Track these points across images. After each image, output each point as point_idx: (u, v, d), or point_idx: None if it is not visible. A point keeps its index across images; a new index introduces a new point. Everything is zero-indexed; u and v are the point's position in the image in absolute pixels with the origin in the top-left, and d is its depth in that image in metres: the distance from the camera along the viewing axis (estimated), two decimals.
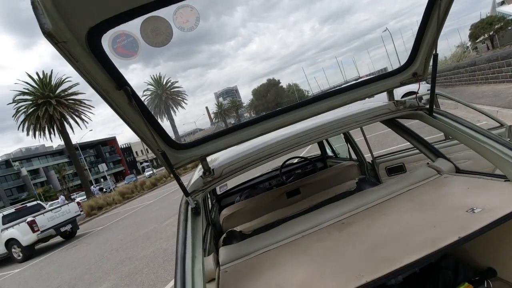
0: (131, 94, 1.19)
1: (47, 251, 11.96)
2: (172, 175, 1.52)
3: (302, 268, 1.36)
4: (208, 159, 1.70)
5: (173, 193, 17.05)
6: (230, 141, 1.66)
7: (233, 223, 2.48)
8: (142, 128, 1.31)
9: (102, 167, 30.67)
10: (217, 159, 1.95)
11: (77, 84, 27.93)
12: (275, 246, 1.66)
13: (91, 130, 31.69)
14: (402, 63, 1.81)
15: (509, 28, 24.61)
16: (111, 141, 75.40)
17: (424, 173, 1.87)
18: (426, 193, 1.69)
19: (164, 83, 58.18)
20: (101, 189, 37.98)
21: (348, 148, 3.33)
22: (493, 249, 1.70)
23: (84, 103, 28.39)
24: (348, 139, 3.28)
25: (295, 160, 4.10)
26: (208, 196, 3.18)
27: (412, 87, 1.85)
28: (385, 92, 1.87)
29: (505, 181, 1.46)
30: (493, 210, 1.24)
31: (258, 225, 2.34)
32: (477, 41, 27.93)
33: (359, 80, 2.10)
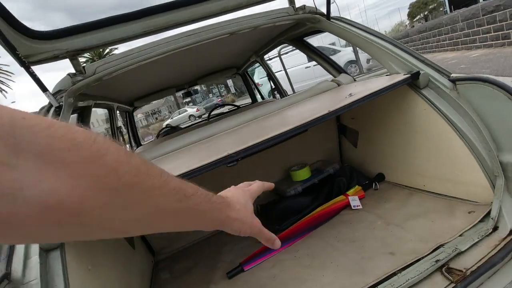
0: None
1: None
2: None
3: (175, 162, 1.26)
4: None
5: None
6: (106, 36, 1.42)
7: None
8: None
9: None
10: None
11: None
12: (161, 157, 1.53)
13: (14, 102, 27.61)
14: None
15: (441, 9, 26.81)
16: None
17: (326, 85, 1.86)
18: (321, 96, 1.68)
19: None
20: None
21: (272, 89, 3.28)
22: (382, 157, 1.77)
23: (0, 69, 24.37)
24: (271, 78, 3.21)
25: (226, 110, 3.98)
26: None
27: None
28: None
29: (386, 75, 1.49)
30: (362, 93, 1.24)
31: None
32: (414, 20, 30.07)
33: None
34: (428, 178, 1.47)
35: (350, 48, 8.63)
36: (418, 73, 1.28)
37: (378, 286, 0.99)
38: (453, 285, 0.93)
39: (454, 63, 7.28)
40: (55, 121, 0.25)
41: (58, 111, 1.31)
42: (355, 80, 1.87)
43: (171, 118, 25.44)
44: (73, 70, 1.45)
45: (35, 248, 0.88)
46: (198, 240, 1.90)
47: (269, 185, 0.64)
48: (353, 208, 1.60)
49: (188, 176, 1.00)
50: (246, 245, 1.63)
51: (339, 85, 1.86)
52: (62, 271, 0.87)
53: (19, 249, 0.88)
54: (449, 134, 1.25)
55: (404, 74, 1.32)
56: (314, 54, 2.09)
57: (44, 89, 1.29)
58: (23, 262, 0.86)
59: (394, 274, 1.03)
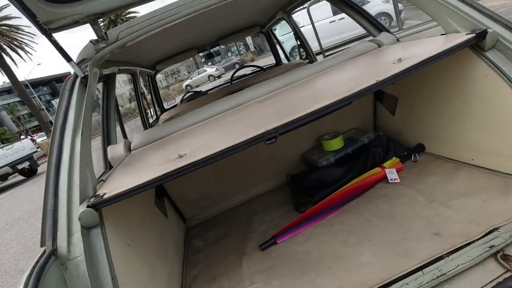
0: None
1: (7, 189, 11.54)
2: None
3: (208, 135, 1.20)
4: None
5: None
6: None
7: None
8: None
9: (57, 102, 28.07)
10: None
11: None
12: (192, 127, 1.48)
13: (39, 64, 28.08)
14: None
15: None
16: (67, 77, 68.90)
17: (364, 47, 1.67)
18: (360, 60, 1.52)
19: None
20: None
21: (299, 47, 3.05)
22: (423, 126, 1.63)
23: (23, 30, 24.51)
24: (299, 37, 2.97)
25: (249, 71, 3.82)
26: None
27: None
28: None
29: (441, 34, 1.29)
30: (414, 58, 1.08)
31: None
32: None
33: None
34: (478, 151, 1.34)
35: None
36: (484, 32, 1.09)
37: (423, 270, 0.95)
38: (509, 273, 0.86)
39: (503, 12, 6.45)
40: None
41: (84, 81, 1.26)
42: (398, 41, 1.67)
43: (191, 79, 25.23)
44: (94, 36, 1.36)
45: (77, 225, 0.89)
46: (227, 208, 1.92)
47: None
48: (390, 181, 1.52)
49: (224, 154, 0.94)
50: (277, 216, 1.62)
51: (379, 46, 1.67)
52: (104, 248, 0.88)
53: (62, 226, 0.89)
54: None
55: (466, 34, 1.13)
56: (351, 9, 1.86)
57: (68, 58, 1.23)
58: (67, 239, 0.87)
59: (441, 257, 0.97)
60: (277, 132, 0.94)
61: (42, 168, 13.80)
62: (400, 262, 1.01)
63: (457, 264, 0.92)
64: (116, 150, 1.43)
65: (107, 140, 1.56)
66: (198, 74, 24.79)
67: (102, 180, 1.08)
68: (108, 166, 1.41)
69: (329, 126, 1.93)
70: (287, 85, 1.57)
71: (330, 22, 9.40)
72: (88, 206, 0.88)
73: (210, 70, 24.11)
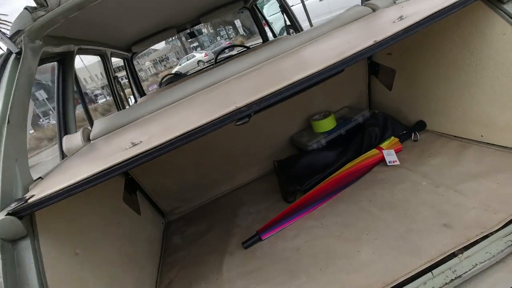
0: None
1: None
2: None
3: (175, 118, 1.00)
4: None
5: None
6: None
7: None
8: None
9: (41, 94, 26.48)
10: None
11: None
12: (161, 110, 1.27)
13: None
14: None
15: None
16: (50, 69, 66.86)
17: (357, 11, 1.45)
18: (354, 25, 1.31)
19: None
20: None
21: (285, 21, 2.81)
22: (423, 101, 1.44)
23: None
24: (286, 11, 2.73)
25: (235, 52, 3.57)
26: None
27: None
28: None
29: None
30: (420, 13, 0.88)
31: None
32: None
33: None
34: (489, 126, 1.16)
35: None
36: None
37: (433, 271, 0.78)
38: None
39: None
40: None
41: (19, 58, 1.03)
42: (395, 3, 1.46)
43: (180, 65, 24.55)
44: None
45: None
46: (211, 199, 1.74)
47: None
48: (388, 164, 1.34)
49: (184, 140, 0.75)
50: (264, 207, 1.45)
51: (374, 10, 1.45)
52: (34, 264, 0.69)
53: None
54: None
55: None
56: None
57: None
58: None
59: (454, 254, 0.81)
60: (251, 110, 0.75)
61: (31, 162, 13.40)
62: (404, 260, 0.85)
63: (474, 263, 0.75)
64: (73, 140, 1.22)
65: (64, 129, 1.35)
66: (187, 60, 24.12)
67: (40, 177, 0.88)
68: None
69: (320, 105, 1.74)
70: (271, 57, 1.36)
71: (320, 1, 9.04)
72: (8, 214, 0.68)
73: (199, 55, 23.44)
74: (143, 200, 1.57)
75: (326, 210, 1.24)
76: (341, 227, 1.09)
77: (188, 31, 3.22)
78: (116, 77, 2.37)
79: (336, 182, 1.34)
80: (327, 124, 1.60)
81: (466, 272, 0.74)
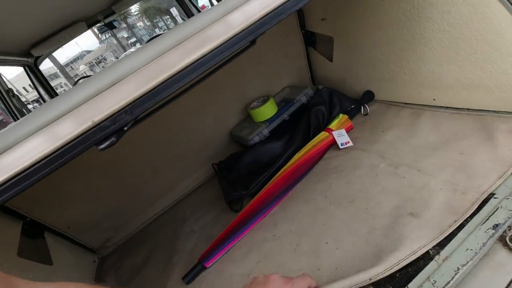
0: None
1: None
2: None
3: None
4: None
5: None
6: None
7: None
8: None
9: None
10: None
11: None
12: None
13: None
14: None
15: None
16: None
17: None
18: None
19: None
20: None
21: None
22: (368, 68, 1.28)
23: None
24: None
25: None
26: None
27: None
28: None
29: None
30: None
31: None
32: None
33: None
34: (440, 87, 1.03)
35: None
36: None
37: (409, 285, 0.62)
38: None
39: None
40: None
41: None
42: None
43: None
44: None
45: None
46: (150, 220, 1.46)
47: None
48: (341, 147, 1.17)
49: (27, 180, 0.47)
50: (210, 221, 1.22)
51: None
52: None
53: None
54: (495, 10, 0.75)
55: None
56: None
57: None
58: None
59: (429, 255, 0.65)
60: (119, 124, 0.48)
61: None
62: (370, 274, 0.67)
63: (456, 267, 0.59)
64: None
65: None
66: None
67: None
68: None
69: (257, 89, 1.51)
70: (181, 41, 1.08)
71: None
72: None
73: None
74: (58, 242, 1.24)
75: (278, 215, 1.04)
76: (296, 237, 0.90)
77: (103, 23, 2.77)
78: (10, 91, 1.90)
79: (286, 178, 1.14)
80: (267, 110, 1.38)
81: (449, 283, 0.57)
